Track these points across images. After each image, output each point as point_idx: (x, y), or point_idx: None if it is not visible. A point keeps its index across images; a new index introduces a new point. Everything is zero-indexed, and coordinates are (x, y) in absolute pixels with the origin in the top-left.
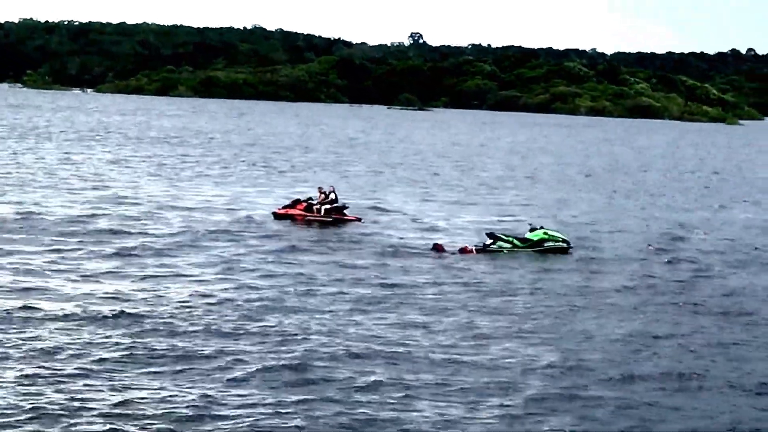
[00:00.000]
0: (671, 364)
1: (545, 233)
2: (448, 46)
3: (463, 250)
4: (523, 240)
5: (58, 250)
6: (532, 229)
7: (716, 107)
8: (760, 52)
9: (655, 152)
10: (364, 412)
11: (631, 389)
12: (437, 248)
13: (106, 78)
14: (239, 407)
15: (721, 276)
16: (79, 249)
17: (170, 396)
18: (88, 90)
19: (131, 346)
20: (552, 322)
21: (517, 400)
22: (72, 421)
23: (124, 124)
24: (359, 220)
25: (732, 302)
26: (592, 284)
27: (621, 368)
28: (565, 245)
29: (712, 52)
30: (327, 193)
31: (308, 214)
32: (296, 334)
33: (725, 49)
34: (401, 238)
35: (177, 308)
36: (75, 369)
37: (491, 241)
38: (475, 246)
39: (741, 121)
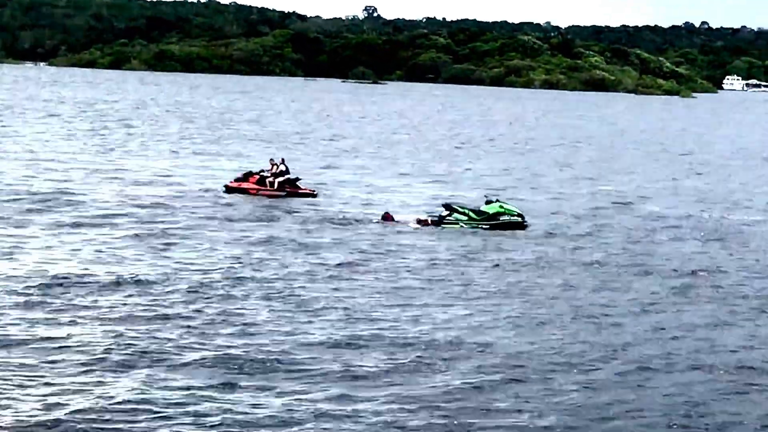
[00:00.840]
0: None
1: (501, 206)
2: (403, 19)
3: (421, 221)
4: (479, 212)
5: None
6: (488, 202)
7: (670, 80)
8: (714, 25)
9: (604, 124)
10: (307, 382)
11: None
12: (387, 218)
13: (59, 52)
14: (183, 389)
15: (668, 246)
16: (26, 220)
17: (110, 379)
18: (41, 64)
19: (66, 322)
20: (498, 298)
21: (457, 374)
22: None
23: (76, 97)
24: (313, 193)
25: (679, 273)
26: (543, 258)
27: (567, 343)
28: (520, 219)
29: (666, 25)
30: (278, 164)
31: (261, 188)
32: (247, 308)
33: (679, 22)
34: (356, 211)
35: (124, 284)
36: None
37: (447, 212)
38: (431, 217)
39: (695, 94)
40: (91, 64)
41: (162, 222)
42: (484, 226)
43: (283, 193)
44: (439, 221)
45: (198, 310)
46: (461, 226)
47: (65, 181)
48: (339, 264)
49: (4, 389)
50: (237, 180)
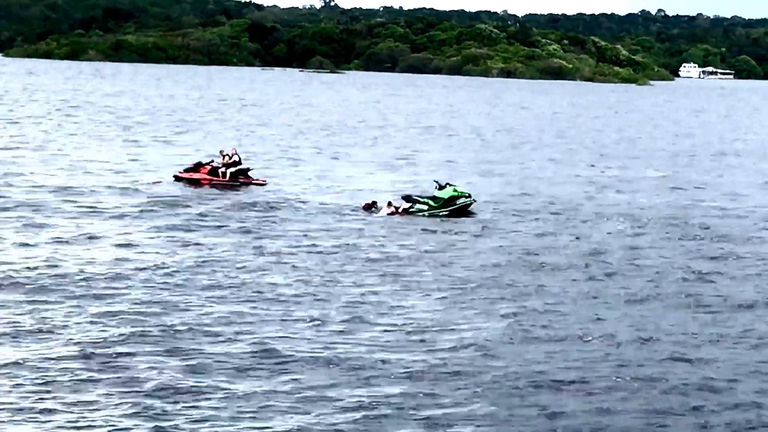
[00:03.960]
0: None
1: (454, 190)
2: (360, 8)
3: (391, 211)
4: (436, 199)
5: None
6: (440, 187)
7: (627, 68)
8: (670, 12)
9: (553, 113)
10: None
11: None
12: (366, 207)
13: (15, 42)
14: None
15: (613, 236)
16: None
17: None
18: None
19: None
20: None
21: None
22: None
23: (21, 87)
24: (264, 182)
25: (626, 263)
26: (493, 246)
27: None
28: (472, 200)
29: (622, 13)
30: (230, 155)
31: (214, 178)
32: (200, 300)
33: (635, 10)
34: (309, 200)
35: (70, 281)
36: None
37: (409, 204)
38: (398, 206)
39: (651, 82)
40: (47, 54)
41: (112, 214)
42: (444, 213)
43: (236, 183)
44: (406, 212)
45: (149, 308)
46: (425, 215)
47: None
48: (293, 254)
49: None
50: (187, 170)
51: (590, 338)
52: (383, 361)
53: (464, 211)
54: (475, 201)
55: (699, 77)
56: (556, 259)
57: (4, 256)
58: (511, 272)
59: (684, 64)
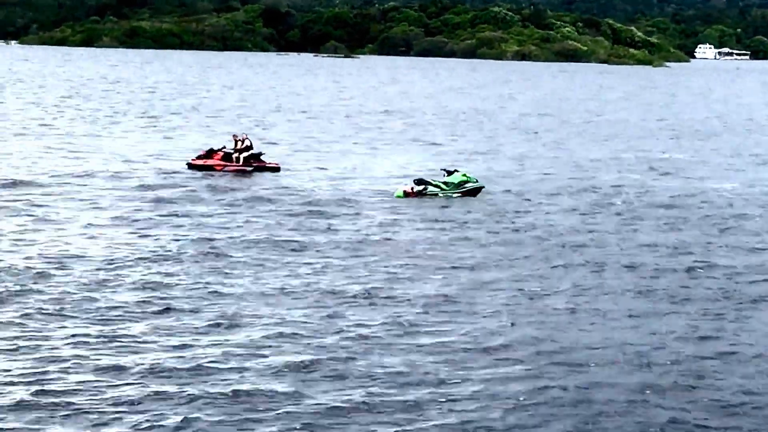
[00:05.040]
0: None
1: (463, 175)
2: None
3: (407, 193)
4: (446, 183)
5: None
6: (449, 173)
7: (642, 50)
8: None
9: (555, 95)
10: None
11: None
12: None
13: (30, 30)
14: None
15: (599, 217)
16: None
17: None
18: (12, 42)
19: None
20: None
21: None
22: None
23: (29, 74)
24: (277, 166)
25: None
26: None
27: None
28: (480, 185)
29: None
30: (242, 140)
31: (227, 164)
32: (222, 288)
33: None
34: (323, 184)
35: (86, 269)
36: None
37: (422, 186)
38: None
39: (667, 63)
40: (62, 42)
41: (125, 203)
42: (456, 194)
43: (250, 168)
44: (421, 193)
45: (168, 294)
46: (439, 197)
47: (15, 162)
48: (307, 237)
49: None
50: (200, 157)
51: (593, 324)
52: (393, 344)
53: (474, 195)
54: (483, 186)
55: (715, 58)
56: (564, 245)
57: (8, 243)
58: (517, 256)
59: (699, 46)
